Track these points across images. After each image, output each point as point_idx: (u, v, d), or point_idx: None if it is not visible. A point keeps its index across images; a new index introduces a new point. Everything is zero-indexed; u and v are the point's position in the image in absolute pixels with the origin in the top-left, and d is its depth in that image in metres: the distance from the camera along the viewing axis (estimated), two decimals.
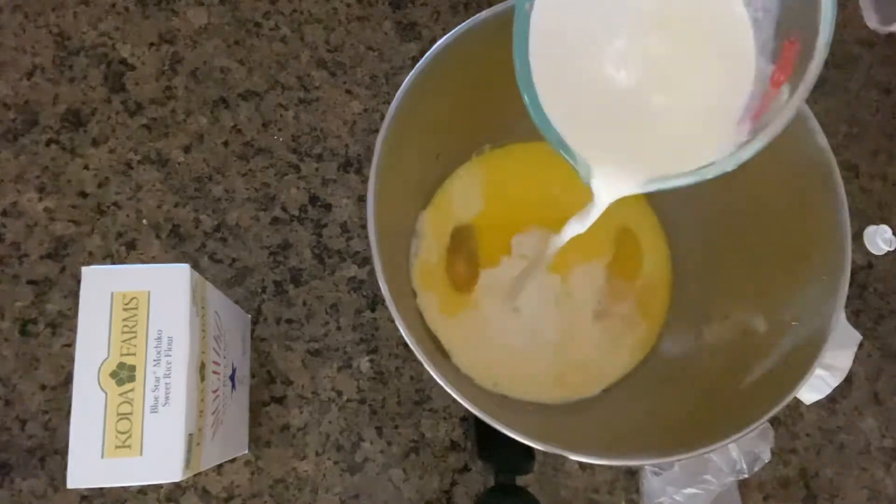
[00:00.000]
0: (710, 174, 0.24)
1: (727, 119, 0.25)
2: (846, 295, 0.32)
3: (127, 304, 0.26)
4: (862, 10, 0.24)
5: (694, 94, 0.25)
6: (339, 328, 0.43)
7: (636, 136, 0.25)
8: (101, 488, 0.39)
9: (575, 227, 0.30)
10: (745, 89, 0.25)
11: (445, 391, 0.30)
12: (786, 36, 0.24)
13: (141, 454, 0.25)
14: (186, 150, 0.44)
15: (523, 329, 0.42)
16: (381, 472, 0.41)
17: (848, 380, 0.45)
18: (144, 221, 0.43)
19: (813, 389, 0.44)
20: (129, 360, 0.26)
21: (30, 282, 0.41)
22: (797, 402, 0.45)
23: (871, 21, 0.24)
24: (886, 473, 0.45)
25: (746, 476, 0.42)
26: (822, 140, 0.33)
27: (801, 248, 0.35)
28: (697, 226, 0.43)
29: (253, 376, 0.41)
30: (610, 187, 0.26)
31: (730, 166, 0.24)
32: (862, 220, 0.49)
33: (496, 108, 0.41)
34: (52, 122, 0.43)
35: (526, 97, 0.24)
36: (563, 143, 0.25)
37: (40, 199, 0.42)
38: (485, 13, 0.32)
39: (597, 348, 0.42)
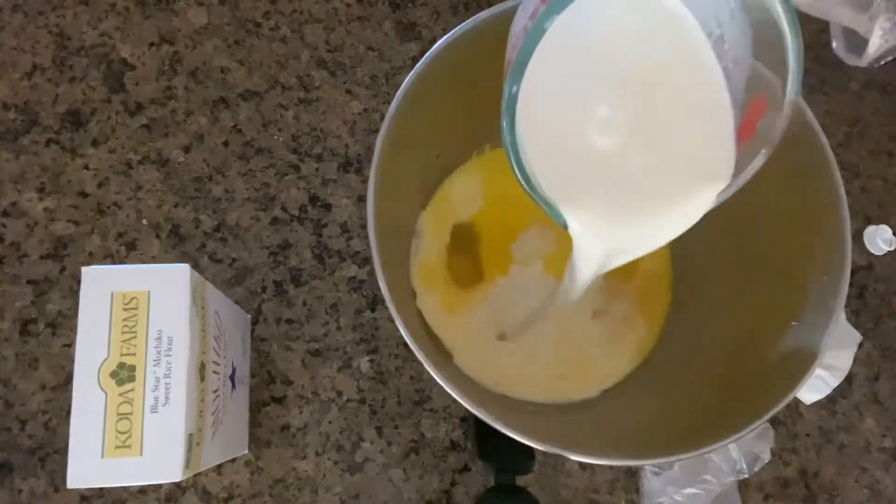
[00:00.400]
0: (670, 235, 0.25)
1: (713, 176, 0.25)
2: (846, 295, 0.32)
3: (127, 304, 0.26)
4: (832, 40, 0.24)
5: (675, 155, 0.25)
6: (339, 328, 0.43)
7: (622, 199, 0.26)
8: (101, 488, 0.39)
9: (565, 298, 0.30)
10: (727, 145, 0.25)
11: (445, 391, 0.30)
12: (755, 91, 0.24)
13: (141, 454, 0.25)
14: (186, 150, 0.44)
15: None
16: (381, 472, 0.41)
17: (848, 380, 0.45)
18: (144, 221, 0.43)
19: (813, 389, 0.44)
20: (129, 360, 0.26)
21: (30, 282, 0.41)
22: (797, 402, 0.45)
23: (841, 52, 0.23)
24: (886, 473, 0.45)
25: (746, 476, 0.42)
26: (822, 140, 0.32)
27: (801, 248, 0.35)
28: (697, 225, 0.43)
29: (253, 376, 0.41)
30: (597, 258, 0.27)
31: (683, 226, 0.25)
32: (862, 220, 0.49)
33: (496, 108, 0.41)
34: (52, 122, 0.43)
35: (517, 171, 0.24)
36: (554, 209, 0.25)
37: (40, 199, 0.42)
38: (485, 13, 0.32)
39: (597, 347, 0.42)
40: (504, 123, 0.22)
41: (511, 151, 0.23)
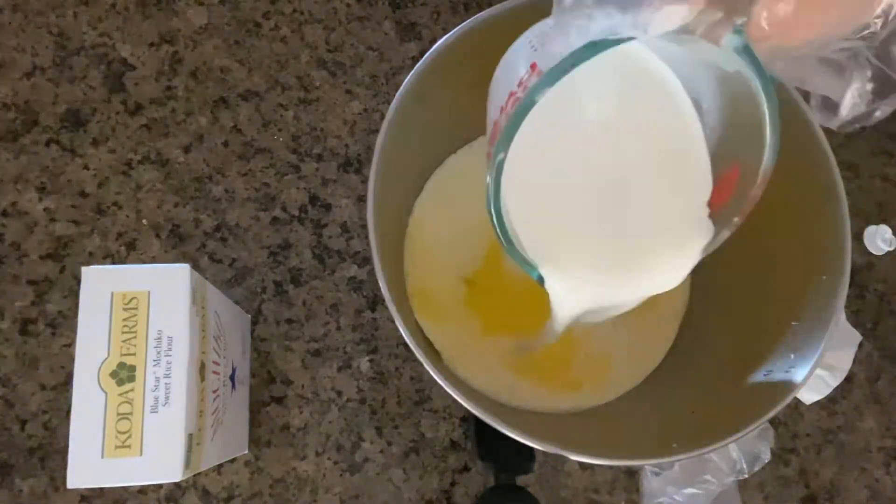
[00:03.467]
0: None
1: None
2: (846, 295, 0.32)
3: (127, 304, 0.26)
4: (811, 100, 0.24)
5: (655, 222, 0.26)
6: (339, 328, 0.43)
7: (603, 263, 0.26)
8: (101, 488, 0.39)
9: (546, 339, 0.30)
10: (702, 213, 0.25)
11: (445, 391, 0.30)
12: (728, 160, 0.24)
13: (141, 454, 0.25)
14: (186, 150, 0.44)
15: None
16: (381, 472, 0.41)
17: (848, 380, 0.45)
18: (144, 221, 0.43)
19: (813, 389, 0.44)
20: (129, 360, 0.26)
21: (30, 282, 0.41)
22: (797, 402, 0.45)
23: (817, 114, 0.24)
24: (886, 473, 0.45)
25: (746, 476, 0.42)
26: (822, 140, 0.33)
27: (801, 248, 0.35)
28: None
29: (253, 376, 0.41)
30: (572, 313, 0.27)
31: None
32: (862, 220, 0.49)
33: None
34: (52, 122, 0.43)
35: (499, 232, 0.24)
36: (532, 268, 0.26)
37: (40, 199, 0.42)
38: (485, 13, 0.32)
39: (621, 353, 0.41)
40: (490, 187, 0.22)
41: (494, 213, 0.23)
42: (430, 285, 0.41)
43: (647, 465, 0.41)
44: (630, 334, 0.41)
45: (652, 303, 0.41)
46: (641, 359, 0.42)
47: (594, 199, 0.25)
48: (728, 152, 0.24)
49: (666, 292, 0.42)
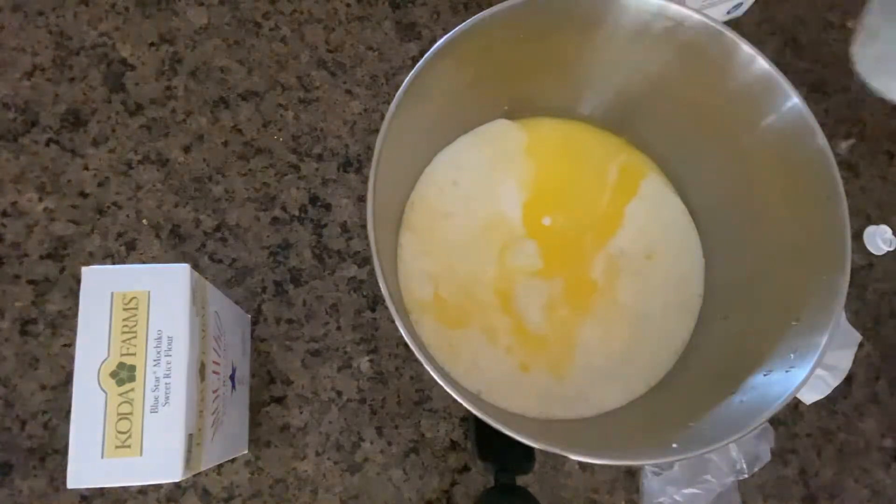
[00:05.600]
0: None
1: None
2: (846, 295, 0.32)
3: (127, 304, 0.26)
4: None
5: None
6: (339, 328, 0.43)
7: None
8: (101, 488, 0.39)
9: None
10: None
11: (445, 391, 0.30)
12: None
13: (141, 454, 0.25)
14: (186, 150, 0.44)
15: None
16: (381, 472, 0.41)
17: (848, 380, 0.45)
18: (144, 221, 0.43)
19: (813, 389, 0.44)
20: (129, 360, 0.26)
21: (30, 282, 0.41)
22: (797, 402, 0.45)
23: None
24: (886, 473, 0.45)
25: (746, 476, 0.42)
26: (822, 140, 0.33)
27: (801, 248, 0.35)
28: (703, 225, 0.43)
29: (253, 376, 0.41)
30: None
31: None
32: (862, 220, 0.49)
33: (495, 107, 0.42)
34: (52, 122, 0.43)
35: None
36: None
37: (40, 199, 0.42)
38: (485, 13, 0.32)
39: (647, 353, 0.41)
40: None
41: None
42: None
43: (647, 465, 0.41)
44: (649, 336, 0.41)
45: (670, 307, 0.42)
46: (657, 363, 0.41)
47: None
48: None
49: (684, 294, 0.41)
